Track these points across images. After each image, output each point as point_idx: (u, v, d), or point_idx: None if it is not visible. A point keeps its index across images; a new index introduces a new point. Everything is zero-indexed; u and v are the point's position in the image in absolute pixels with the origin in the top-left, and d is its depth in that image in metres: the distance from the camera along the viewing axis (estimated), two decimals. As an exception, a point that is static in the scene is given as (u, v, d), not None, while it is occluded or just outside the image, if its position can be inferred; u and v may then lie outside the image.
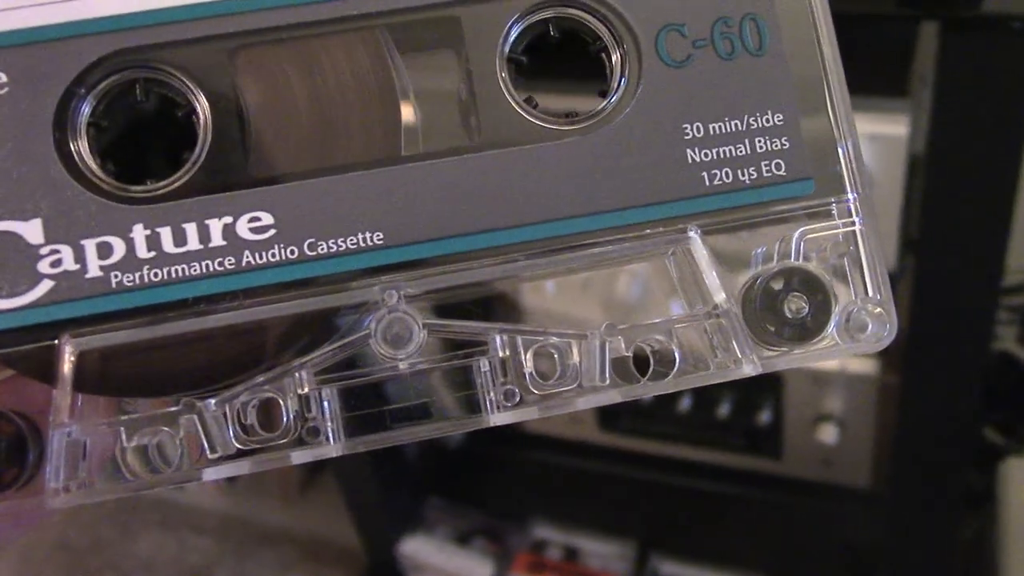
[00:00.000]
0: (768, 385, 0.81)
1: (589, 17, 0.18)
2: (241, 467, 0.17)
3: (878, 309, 0.19)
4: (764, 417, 0.82)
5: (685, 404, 0.85)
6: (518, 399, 0.17)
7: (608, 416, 0.89)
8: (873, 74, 0.68)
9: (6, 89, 0.17)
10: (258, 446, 0.16)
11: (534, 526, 1.10)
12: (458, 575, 1.08)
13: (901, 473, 0.81)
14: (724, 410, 0.83)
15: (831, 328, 0.18)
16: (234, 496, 1.42)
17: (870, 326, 0.19)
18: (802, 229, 0.18)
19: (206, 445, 0.16)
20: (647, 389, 0.18)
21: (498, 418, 0.17)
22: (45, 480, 0.16)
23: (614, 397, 0.18)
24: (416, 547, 1.11)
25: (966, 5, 0.56)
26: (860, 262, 0.19)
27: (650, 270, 0.18)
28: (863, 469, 0.84)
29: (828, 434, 0.80)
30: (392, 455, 1.08)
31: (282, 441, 0.16)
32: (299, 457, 0.17)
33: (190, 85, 0.18)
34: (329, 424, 0.16)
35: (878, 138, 0.64)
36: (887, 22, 0.74)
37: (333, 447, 0.17)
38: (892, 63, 0.70)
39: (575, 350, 0.17)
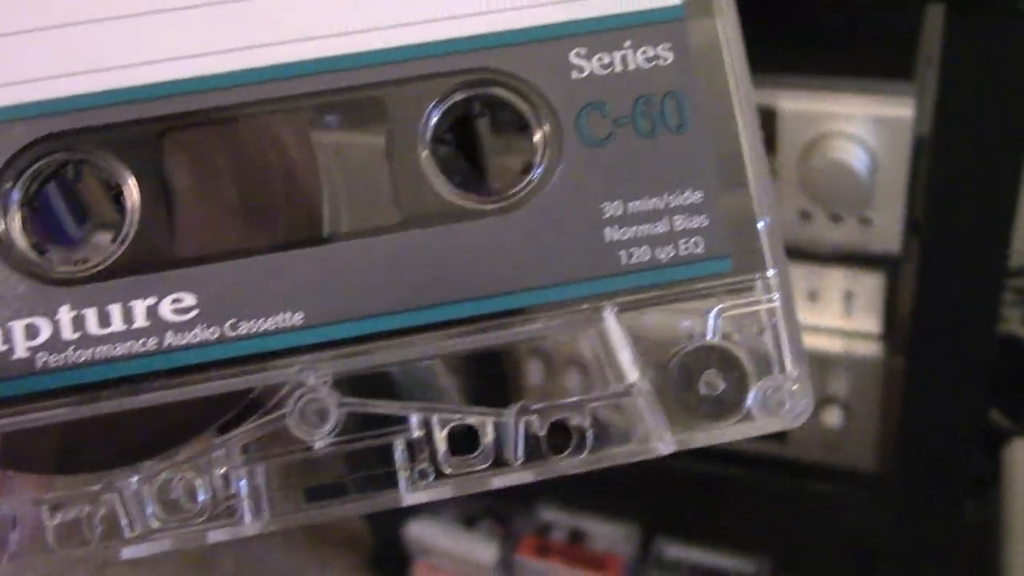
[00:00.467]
0: (773, 368, 0.81)
1: (512, 95, 0.18)
2: (159, 545, 0.17)
3: (795, 385, 0.19)
4: (769, 400, 0.82)
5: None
6: (432, 478, 0.18)
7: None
8: (878, 57, 0.68)
9: None
10: (176, 525, 0.17)
11: (540, 509, 1.10)
12: (464, 558, 1.09)
13: (906, 456, 0.81)
14: (729, 393, 0.83)
15: (748, 404, 0.19)
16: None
17: (787, 402, 0.19)
18: (720, 306, 0.18)
19: (123, 524, 0.17)
20: (561, 468, 0.18)
21: (412, 497, 0.18)
22: None
23: (526, 476, 0.19)
24: (422, 530, 1.11)
25: (972, -13, 0.56)
26: (778, 338, 0.18)
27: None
28: (868, 452, 0.84)
29: (832, 417, 0.80)
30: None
31: (199, 520, 0.17)
32: (215, 536, 0.17)
33: (118, 166, 0.18)
34: (246, 502, 0.17)
35: (883, 121, 0.64)
36: (892, 4, 0.74)
37: (249, 526, 0.17)
38: (897, 45, 0.69)
39: (490, 429, 0.18)
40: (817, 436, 0.84)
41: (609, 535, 1.06)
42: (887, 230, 0.69)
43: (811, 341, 0.79)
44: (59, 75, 0.17)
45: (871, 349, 0.78)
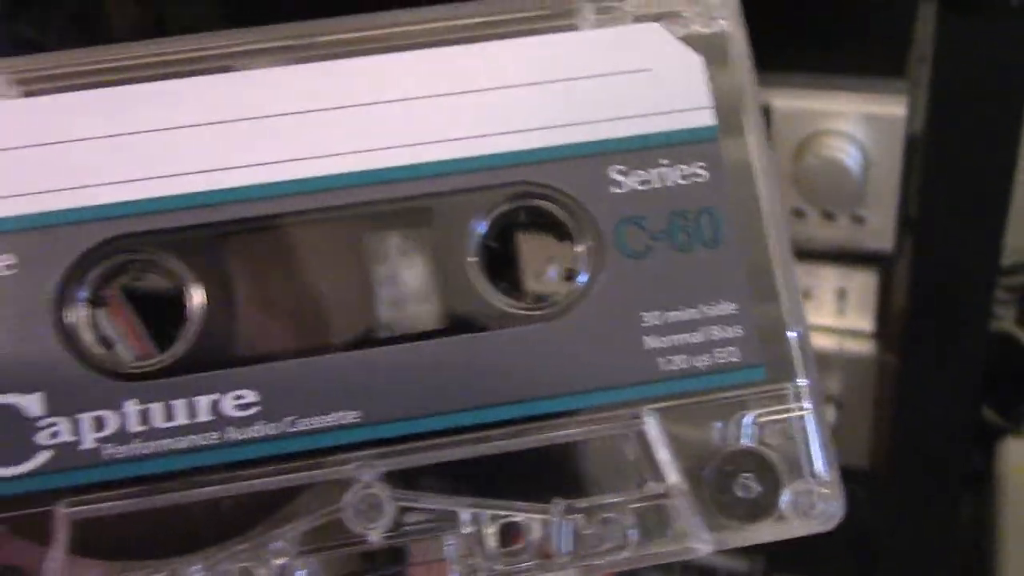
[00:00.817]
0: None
1: (554, 207, 0.19)
2: None
3: (826, 489, 0.19)
4: (763, 398, 0.82)
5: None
6: (484, 574, 0.18)
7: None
8: (871, 55, 0.68)
9: (15, 270, 0.17)
10: None
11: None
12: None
13: (899, 454, 0.81)
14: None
15: (781, 507, 0.19)
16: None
17: (819, 505, 0.19)
18: (754, 413, 0.19)
19: None
20: (606, 564, 0.19)
21: None
22: None
23: (571, 574, 0.19)
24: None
25: (964, -16, 0.56)
26: (809, 444, 0.19)
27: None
28: (861, 450, 0.84)
29: (826, 415, 0.80)
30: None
31: None
32: None
33: (182, 268, 0.19)
34: None
35: (876, 118, 0.64)
36: (885, 2, 0.74)
37: None
38: (890, 43, 0.69)
39: (536, 526, 0.18)
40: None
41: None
42: (880, 228, 0.69)
43: (804, 339, 0.79)
44: (127, 180, 0.18)
45: (864, 347, 0.78)
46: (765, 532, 0.19)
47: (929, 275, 0.69)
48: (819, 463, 0.19)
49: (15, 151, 0.18)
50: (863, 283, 0.75)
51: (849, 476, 0.87)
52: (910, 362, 0.75)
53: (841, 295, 0.76)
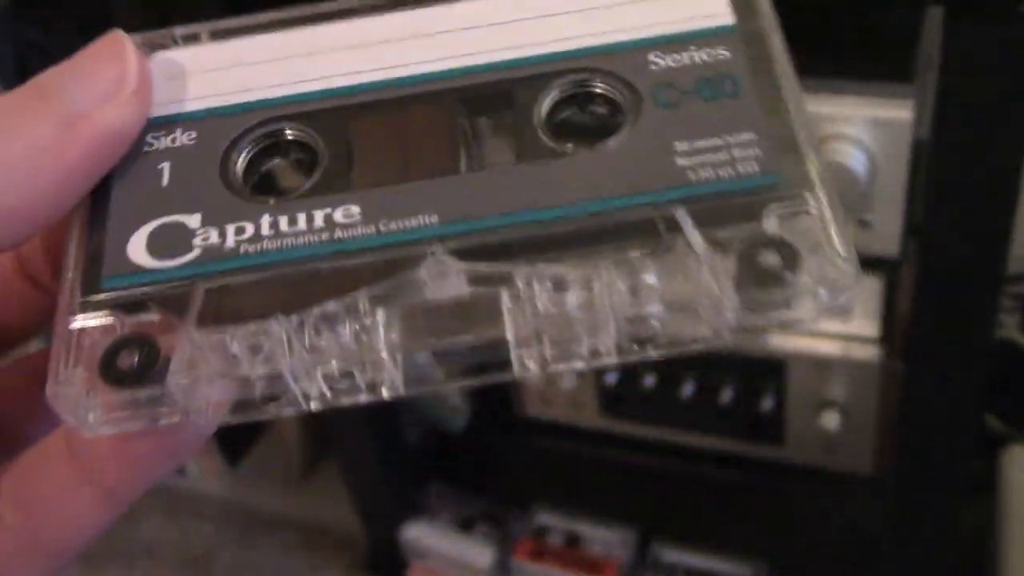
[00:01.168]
0: (770, 371, 0.81)
1: (606, 85, 0.24)
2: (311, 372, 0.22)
3: (847, 262, 0.21)
4: (767, 403, 0.82)
5: (687, 390, 0.84)
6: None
7: (610, 402, 0.89)
8: (877, 59, 0.68)
9: (195, 141, 0.25)
10: (326, 347, 0.22)
11: (536, 512, 1.10)
12: (460, 560, 1.09)
13: (904, 460, 0.81)
14: (726, 396, 0.83)
15: (802, 276, 0.21)
16: (235, 482, 1.42)
17: (844, 274, 0.21)
18: (773, 207, 0.22)
19: (286, 344, 0.22)
20: (656, 321, 0.22)
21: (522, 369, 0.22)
22: (171, 384, 0.21)
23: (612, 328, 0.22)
24: (418, 532, 1.11)
25: (971, -12, 0.56)
26: (827, 229, 0.21)
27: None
28: (865, 456, 0.84)
29: (830, 420, 0.80)
30: (393, 441, 1.09)
31: (350, 343, 0.22)
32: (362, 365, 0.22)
33: (316, 138, 0.25)
34: (379, 333, 0.22)
35: (882, 122, 0.64)
36: (892, 6, 0.74)
37: (384, 352, 0.22)
38: (897, 48, 0.69)
39: (583, 279, 0.22)
40: (815, 439, 0.83)
41: (605, 538, 1.06)
42: (886, 233, 0.69)
43: (808, 344, 0.79)
44: (286, 83, 0.25)
45: (869, 353, 0.78)
46: (784, 297, 0.21)
47: (934, 281, 0.69)
48: (837, 241, 0.21)
49: (203, 73, 0.25)
50: (868, 288, 0.75)
51: (853, 482, 0.87)
52: (914, 368, 0.74)
53: (846, 300, 0.76)
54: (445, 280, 0.22)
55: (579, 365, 0.22)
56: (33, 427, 0.26)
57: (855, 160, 0.64)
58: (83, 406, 0.21)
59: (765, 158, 0.23)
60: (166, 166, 0.24)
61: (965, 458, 0.80)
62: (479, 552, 1.08)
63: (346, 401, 0.22)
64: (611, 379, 0.85)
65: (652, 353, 0.21)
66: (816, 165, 0.23)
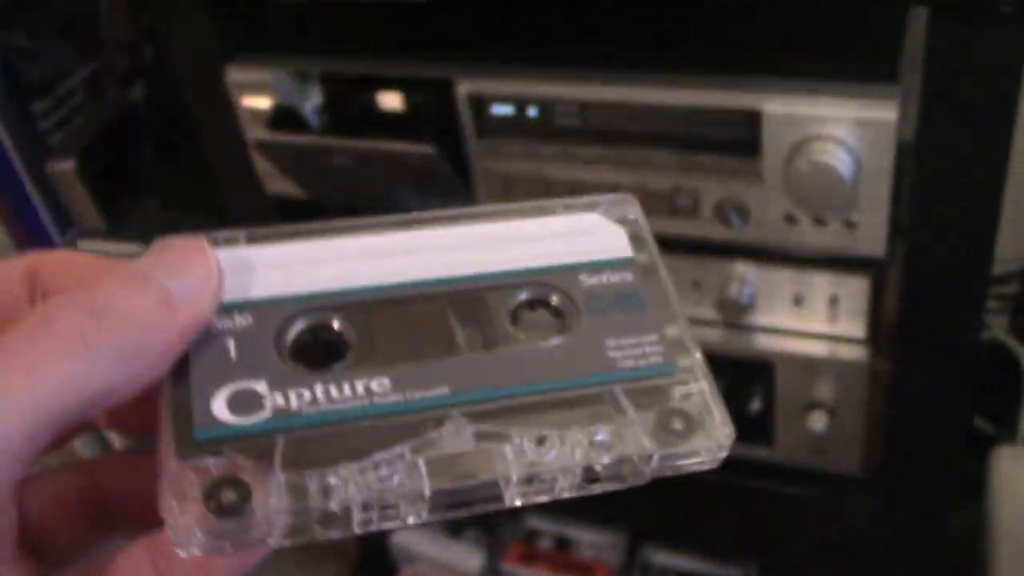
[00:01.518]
0: (758, 373, 0.81)
1: (552, 292, 0.33)
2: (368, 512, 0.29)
3: (724, 425, 0.31)
4: (755, 405, 0.82)
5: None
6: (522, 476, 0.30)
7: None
8: (862, 60, 0.68)
9: (251, 323, 0.31)
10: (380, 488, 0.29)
11: (526, 516, 1.10)
12: (450, 565, 1.08)
13: (891, 461, 0.81)
14: (715, 398, 0.83)
15: (696, 436, 0.30)
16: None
17: (724, 434, 0.30)
18: (676, 389, 0.31)
19: (352, 485, 0.28)
20: (605, 458, 0.30)
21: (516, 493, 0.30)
22: (263, 518, 0.27)
23: (574, 474, 0.30)
24: (408, 538, 1.11)
25: (955, -11, 0.56)
26: (709, 403, 0.31)
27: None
28: (854, 457, 0.84)
29: (818, 421, 0.80)
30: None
31: (397, 486, 0.29)
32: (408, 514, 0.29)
33: (343, 325, 0.32)
34: (422, 477, 0.29)
35: (867, 123, 0.64)
36: (876, 7, 0.74)
37: (425, 489, 0.29)
38: (882, 49, 0.70)
39: (557, 436, 0.30)
40: (803, 440, 0.84)
41: (595, 542, 1.06)
42: (872, 234, 0.69)
43: (796, 345, 0.79)
44: (317, 282, 0.32)
45: (856, 353, 0.78)
46: (686, 448, 0.30)
47: (920, 281, 0.69)
48: (716, 412, 0.31)
49: (247, 271, 0.32)
50: (855, 289, 0.75)
51: (842, 483, 0.87)
52: (902, 368, 0.75)
53: (833, 301, 0.76)
54: (461, 437, 0.29)
55: (546, 498, 0.30)
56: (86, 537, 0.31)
57: (840, 161, 0.64)
58: (192, 534, 0.26)
59: (665, 353, 0.32)
60: (231, 342, 0.31)
61: (953, 458, 0.80)
62: (469, 557, 1.08)
63: (387, 527, 0.29)
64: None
65: (597, 489, 0.30)
66: (698, 359, 0.32)
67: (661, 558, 1.03)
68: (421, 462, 0.29)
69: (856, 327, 0.77)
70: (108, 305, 0.27)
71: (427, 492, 0.29)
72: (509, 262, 0.34)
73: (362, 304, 0.33)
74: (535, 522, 1.09)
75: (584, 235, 0.35)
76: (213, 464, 0.28)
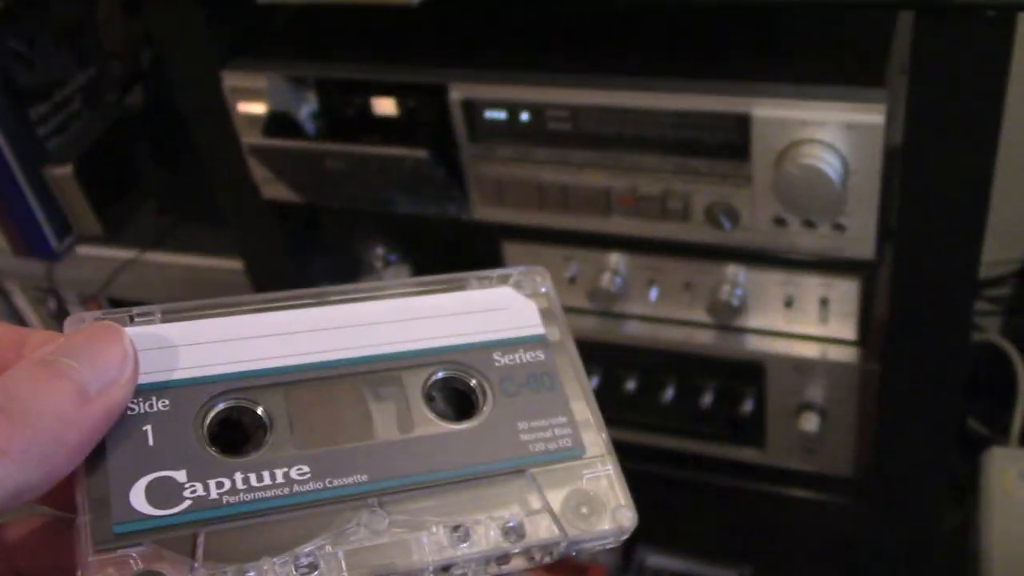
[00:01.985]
0: (750, 374, 0.81)
1: (466, 374, 0.35)
2: None
3: (627, 509, 0.33)
4: (747, 407, 0.83)
5: (668, 394, 0.85)
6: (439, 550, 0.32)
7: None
8: (851, 64, 0.69)
9: (168, 408, 0.31)
10: None
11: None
12: (445, 568, 1.09)
13: (883, 462, 0.81)
14: (707, 400, 0.84)
15: (603, 518, 0.32)
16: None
17: (623, 520, 0.33)
18: (584, 472, 0.33)
19: None
20: (517, 547, 0.32)
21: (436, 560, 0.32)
22: None
23: (489, 552, 0.32)
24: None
25: (940, -7, 0.56)
26: (614, 484, 0.33)
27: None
28: (846, 458, 0.84)
29: (810, 423, 0.81)
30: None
31: None
32: None
33: (262, 408, 0.33)
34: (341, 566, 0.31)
35: (855, 127, 0.65)
36: (864, 11, 0.75)
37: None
38: (870, 53, 0.70)
39: (472, 522, 0.32)
40: (794, 442, 0.84)
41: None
42: (861, 236, 0.70)
43: (787, 347, 0.80)
44: (230, 362, 0.33)
45: (847, 355, 0.78)
46: (596, 531, 0.32)
47: (909, 283, 0.70)
48: (620, 493, 0.33)
49: (165, 349, 0.32)
50: (846, 291, 0.76)
51: (833, 485, 0.88)
52: (891, 370, 0.75)
53: (824, 303, 0.77)
54: (378, 528, 0.31)
55: None
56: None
57: (829, 164, 0.65)
58: None
59: (573, 435, 0.34)
60: (149, 428, 0.31)
61: (944, 460, 0.80)
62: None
63: None
64: (592, 384, 0.85)
65: (507, 570, 0.32)
66: (604, 439, 0.34)
67: (656, 560, 1.03)
68: (341, 553, 0.30)
69: (847, 329, 0.78)
70: (21, 405, 0.26)
71: None
72: (424, 340, 0.35)
73: (279, 385, 0.33)
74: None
75: (497, 311, 0.36)
76: (132, 558, 0.28)
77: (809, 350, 0.79)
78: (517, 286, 0.37)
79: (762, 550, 0.99)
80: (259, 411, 0.33)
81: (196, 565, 0.29)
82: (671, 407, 0.86)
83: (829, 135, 0.65)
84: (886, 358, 0.76)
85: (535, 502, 0.32)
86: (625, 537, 0.33)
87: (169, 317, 0.33)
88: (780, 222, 0.71)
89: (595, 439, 0.34)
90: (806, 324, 0.79)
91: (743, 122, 0.67)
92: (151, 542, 0.29)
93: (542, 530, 0.32)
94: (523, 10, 0.83)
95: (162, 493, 0.30)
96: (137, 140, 1.17)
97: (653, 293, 0.82)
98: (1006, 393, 1.12)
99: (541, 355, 0.35)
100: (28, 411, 0.26)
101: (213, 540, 0.29)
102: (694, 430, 0.88)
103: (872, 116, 0.64)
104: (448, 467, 0.32)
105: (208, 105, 0.82)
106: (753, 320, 0.80)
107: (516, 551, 0.31)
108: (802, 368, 0.79)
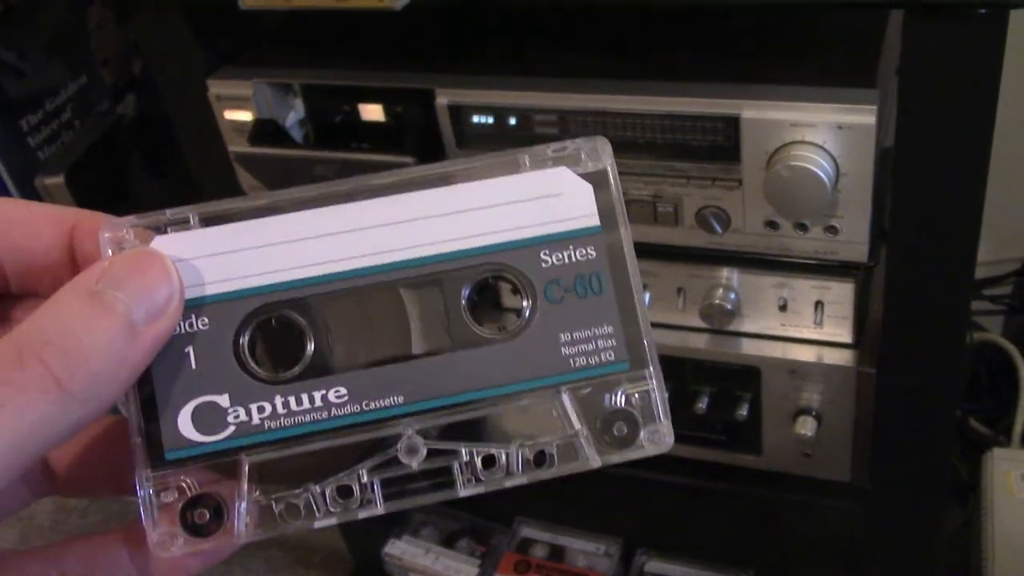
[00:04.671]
0: (745, 380, 0.81)
1: (511, 276, 0.33)
2: (332, 519, 0.32)
3: (664, 428, 0.32)
4: (743, 411, 0.82)
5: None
6: (473, 482, 0.32)
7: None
8: (841, 65, 0.68)
9: (208, 327, 0.31)
10: (341, 510, 0.32)
11: (519, 526, 1.10)
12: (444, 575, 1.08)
13: (879, 465, 0.80)
14: (702, 405, 0.83)
15: (641, 439, 0.32)
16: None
17: (663, 438, 0.32)
18: (623, 387, 0.32)
19: (315, 506, 0.31)
20: (539, 475, 0.32)
21: (464, 492, 0.32)
22: (233, 528, 0.31)
23: (522, 480, 0.32)
24: (402, 549, 1.11)
25: (930, -8, 0.56)
26: (655, 404, 0.32)
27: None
28: (844, 461, 0.83)
29: (806, 427, 0.80)
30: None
31: (354, 506, 0.32)
32: (363, 513, 0.32)
33: (301, 319, 0.32)
34: (376, 496, 0.32)
35: (847, 128, 0.64)
36: (855, 11, 0.74)
37: (376, 509, 0.32)
38: (860, 54, 0.69)
39: (503, 455, 0.32)
40: (791, 446, 0.83)
41: (589, 551, 1.06)
42: (854, 238, 0.69)
43: (782, 351, 0.79)
44: (265, 273, 0.32)
45: (843, 358, 0.78)
46: (630, 454, 0.32)
47: (905, 285, 0.69)
48: (661, 413, 0.32)
49: (201, 259, 0.32)
50: (840, 294, 0.75)
51: (831, 489, 0.87)
52: (888, 373, 0.74)
53: (818, 306, 0.76)
54: (414, 456, 0.32)
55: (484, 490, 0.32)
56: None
57: (819, 166, 0.64)
58: (169, 544, 0.31)
59: (618, 348, 0.32)
60: (191, 350, 0.31)
61: (943, 461, 0.79)
62: (463, 567, 1.08)
63: (345, 519, 0.32)
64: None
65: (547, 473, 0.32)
66: (650, 350, 0.32)
67: (655, 565, 1.03)
68: (377, 483, 0.32)
69: (842, 332, 0.77)
70: (76, 341, 0.27)
71: (381, 509, 0.32)
72: (468, 238, 0.33)
73: (317, 297, 0.32)
74: (528, 531, 1.09)
75: (549, 197, 0.33)
76: (185, 483, 0.31)
77: (804, 354, 0.78)
78: (573, 161, 0.33)
79: (762, 554, 0.99)
80: (296, 326, 0.32)
81: (243, 490, 0.31)
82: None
83: (820, 137, 0.64)
84: (882, 361, 0.75)
85: (571, 424, 0.32)
86: (665, 450, 0.32)
87: (206, 219, 0.32)
88: (772, 225, 0.70)
89: (640, 351, 0.32)
90: (801, 328, 0.78)
91: (733, 124, 0.66)
92: (201, 468, 0.31)
93: (576, 459, 0.32)
94: (508, 14, 0.82)
95: (208, 419, 0.31)
96: (129, 149, 1.16)
97: (646, 298, 0.81)
98: (1008, 393, 1.11)
99: (592, 252, 0.33)
100: (83, 347, 0.27)
101: (255, 467, 0.31)
102: (691, 435, 0.87)
103: (863, 117, 0.63)
104: (483, 385, 0.32)
105: (195, 113, 0.82)
106: (748, 324, 0.79)
107: (548, 476, 0.32)
108: (798, 372, 0.79)
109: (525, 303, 0.33)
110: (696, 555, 1.01)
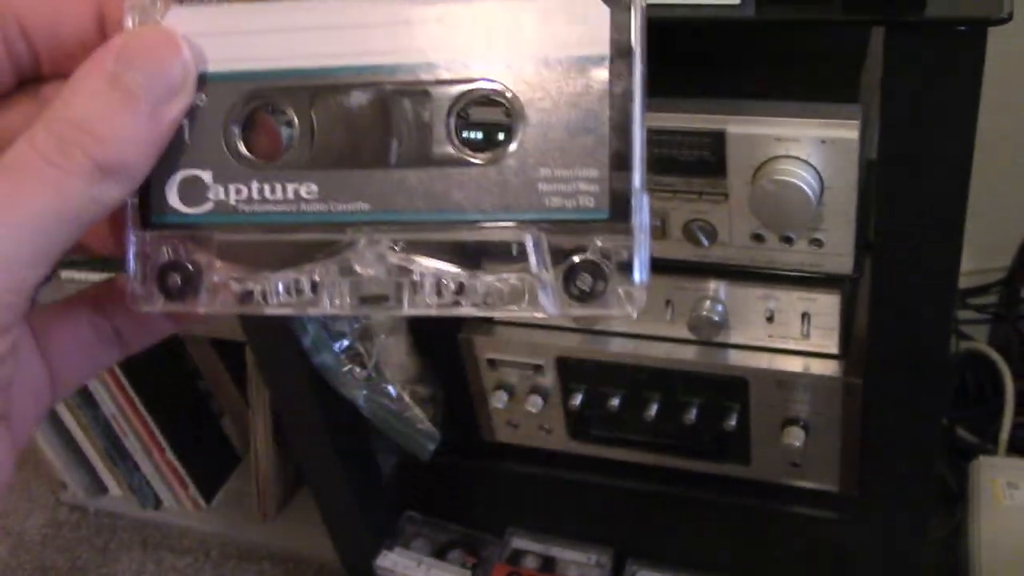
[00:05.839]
0: (733, 390, 0.81)
1: (501, 100, 0.31)
2: (285, 310, 0.32)
3: (637, 293, 0.30)
4: (731, 422, 0.82)
5: (652, 411, 0.85)
6: (419, 300, 0.32)
7: (577, 425, 0.89)
8: (825, 80, 0.69)
9: (205, 104, 0.32)
10: (296, 302, 0.32)
11: (510, 537, 1.10)
12: (435, 588, 1.08)
13: (868, 475, 0.81)
14: (691, 416, 0.83)
15: (606, 295, 0.30)
16: (212, 515, 1.41)
17: (635, 299, 0.30)
18: (600, 238, 0.30)
19: (268, 294, 0.32)
20: (495, 306, 0.31)
21: (410, 311, 0.32)
22: (198, 298, 0.32)
23: (470, 311, 0.31)
24: (393, 561, 1.11)
25: (911, 9, 0.56)
26: (632, 259, 0.30)
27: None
28: (831, 471, 0.84)
29: (794, 437, 0.80)
30: (366, 471, 1.08)
31: (304, 301, 0.32)
32: (313, 311, 0.32)
33: (290, 110, 0.32)
34: (324, 297, 0.32)
35: (830, 142, 0.65)
36: (838, 28, 0.75)
37: (327, 307, 0.32)
38: (843, 68, 0.70)
39: (454, 281, 0.31)
40: (779, 456, 0.84)
41: (580, 561, 1.06)
42: (839, 251, 0.70)
43: (770, 362, 0.79)
44: (266, 58, 0.32)
45: (830, 368, 0.78)
46: (591, 310, 0.30)
47: (889, 296, 0.70)
48: (636, 275, 0.30)
49: (210, 36, 0.31)
50: (826, 305, 0.76)
51: (819, 498, 0.87)
52: (873, 383, 0.75)
53: (805, 318, 0.77)
54: (374, 262, 0.31)
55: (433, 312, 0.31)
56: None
57: (804, 180, 0.65)
58: (145, 302, 0.32)
59: (599, 195, 0.30)
60: (186, 123, 0.32)
61: (929, 470, 0.80)
62: (455, 578, 1.08)
63: (312, 312, 0.32)
64: (576, 402, 0.85)
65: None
66: (641, 203, 0.30)
67: (646, 575, 1.03)
68: (330, 284, 0.32)
69: (829, 342, 0.78)
70: (108, 128, 0.29)
71: (330, 310, 0.32)
72: (466, 52, 0.31)
73: (309, 89, 0.32)
74: (520, 542, 1.10)
75: (559, 20, 0.30)
76: (165, 248, 0.32)
77: (792, 364, 0.79)
78: None
79: (751, 564, 0.99)
80: (285, 116, 0.32)
81: (214, 263, 0.32)
82: (655, 424, 0.85)
83: (804, 151, 0.65)
84: (868, 371, 0.75)
85: (536, 267, 0.30)
86: (635, 311, 0.30)
87: None
88: (758, 238, 0.71)
89: (624, 202, 0.30)
90: (788, 339, 0.79)
91: (718, 139, 0.67)
92: (181, 237, 0.32)
93: (534, 305, 0.30)
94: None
95: (192, 192, 0.32)
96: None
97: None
98: (994, 402, 1.12)
99: (595, 84, 0.30)
100: (116, 135, 0.29)
101: (225, 244, 0.32)
102: (679, 446, 0.88)
103: (846, 131, 0.64)
104: (452, 209, 0.31)
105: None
106: (735, 336, 0.80)
107: (499, 316, 0.32)
108: (785, 383, 0.79)
109: (513, 128, 0.31)
110: (686, 564, 1.02)
